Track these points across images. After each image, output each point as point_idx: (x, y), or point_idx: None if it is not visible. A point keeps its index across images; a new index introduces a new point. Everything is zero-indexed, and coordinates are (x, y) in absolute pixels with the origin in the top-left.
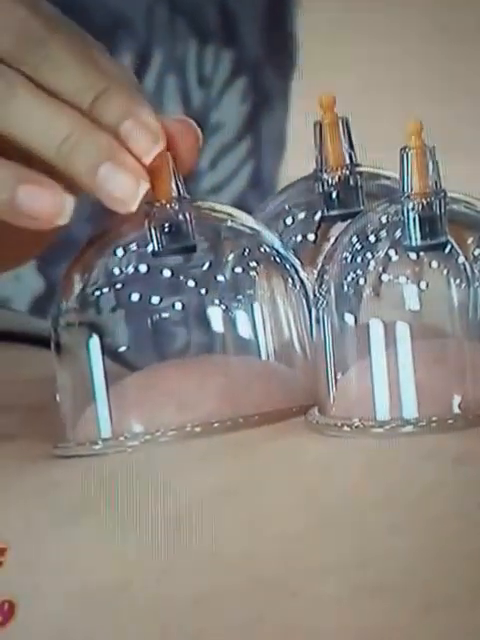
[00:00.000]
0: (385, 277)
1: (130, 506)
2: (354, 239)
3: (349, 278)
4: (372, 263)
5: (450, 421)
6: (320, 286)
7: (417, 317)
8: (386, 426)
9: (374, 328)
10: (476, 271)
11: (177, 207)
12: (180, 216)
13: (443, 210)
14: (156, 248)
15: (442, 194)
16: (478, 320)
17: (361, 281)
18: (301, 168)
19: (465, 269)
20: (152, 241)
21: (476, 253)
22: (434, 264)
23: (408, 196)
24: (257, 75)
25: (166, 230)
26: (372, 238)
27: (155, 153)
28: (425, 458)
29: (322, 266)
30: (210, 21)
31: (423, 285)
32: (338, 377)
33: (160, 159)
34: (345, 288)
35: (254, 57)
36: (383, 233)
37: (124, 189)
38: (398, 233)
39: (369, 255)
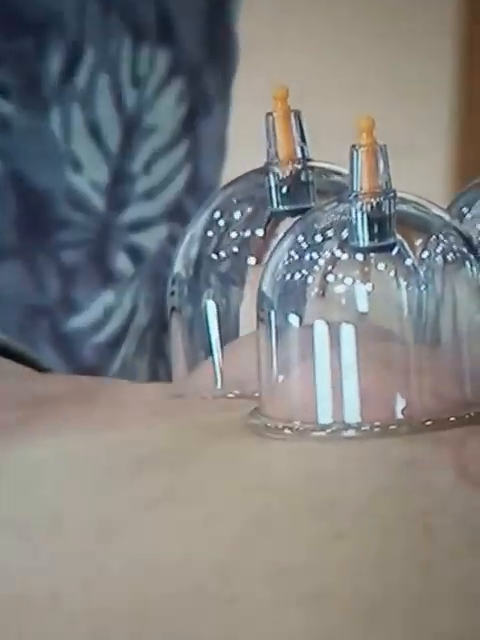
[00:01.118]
0: (331, 277)
1: (61, 510)
2: (300, 237)
3: (294, 277)
4: (318, 263)
5: (393, 427)
6: (266, 285)
7: (363, 319)
8: (328, 430)
9: (318, 329)
10: (424, 273)
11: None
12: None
13: (392, 211)
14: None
15: (392, 194)
16: (425, 324)
17: (307, 281)
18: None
19: (413, 271)
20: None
21: (424, 255)
22: (382, 265)
23: (357, 195)
24: (195, 76)
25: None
26: (319, 237)
27: None
28: (368, 463)
29: (267, 263)
30: (145, 18)
31: (370, 287)
32: (281, 378)
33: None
34: (290, 287)
35: (192, 57)
36: (330, 232)
37: None
38: (346, 233)
39: (315, 254)
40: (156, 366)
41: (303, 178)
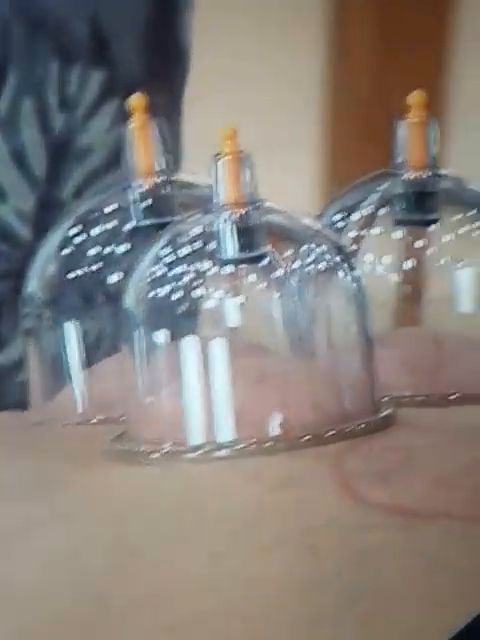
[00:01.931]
0: (200, 292)
1: None
2: (165, 251)
3: (161, 293)
4: (186, 277)
5: (269, 444)
6: (130, 301)
7: (235, 334)
8: (200, 451)
9: (187, 346)
10: (296, 284)
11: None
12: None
13: (260, 221)
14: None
15: (258, 204)
16: (300, 336)
17: (174, 296)
18: None
19: (285, 282)
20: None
21: (296, 265)
22: (252, 277)
23: (222, 206)
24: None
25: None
26: (185, 250)
27: None
28: (244, 483)
29: (132, 279)
30: (77, 39)
31: (240, 299)
32: (149, 399)
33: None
34: (156, 304)
35: (130, 78)
36: (197, 244)
37: None
38: (213, 245)
39: (181, 268)
40: None
41: (165, 191)
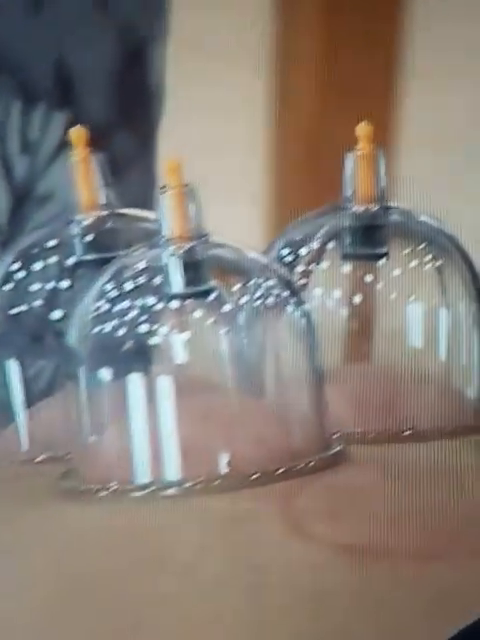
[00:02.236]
0: (145, 327)
1: None
2: (109, 286)
3: (106, 329)
4: (131, 312)
5: (217, 482)
6: (74, 337)
7: (181, 370)
8: (147, 489)
9: (132, 383)
10: (244, 319)
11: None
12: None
13: (206, 255)
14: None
15: (205, 238)
16: (247, 371)
17: (118, 332)
18: None
19: (232, 317)
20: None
21: (243, 300)
22: (198, 313)
23: (168, 240)
24: (101, 138)
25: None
26: (130, 285)
27: None
28: (192, 522)
29: (76, 315)
30: (41, 79)
31: (187, 335)
32: (94, 438)
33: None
34: (101, 340)
35: (96, 119)
36: (142, 279)
37: None
38: (158, 279)
39: (126, 303)
40: None
41: (109, 225)
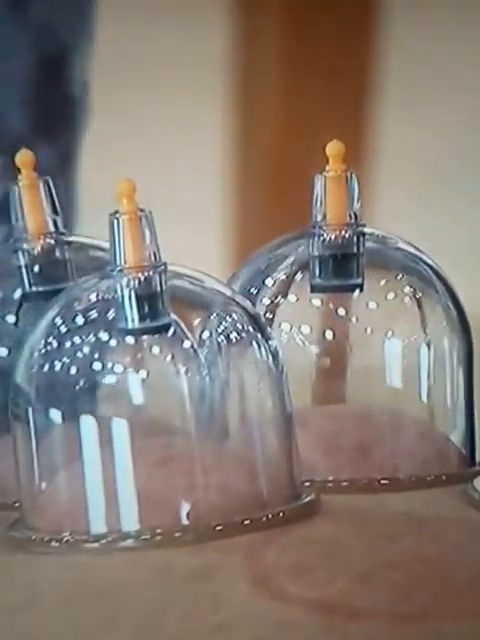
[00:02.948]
0: (98, 365)
1: None
2: (59, 320)
3: (54, 367)
4: (82, 349)
5: (178, 534)
6: (21, 377)
7: (138, 411)
8: (102, 540)
9: (85, 426)
10: (205, 356)
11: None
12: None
13: (164, 286)
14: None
15: (162, 267)
16: (210, 413)
17: (69, 370)
18: None
19: (193, 355)
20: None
21: (205, 336)
22: (156, 349)
23: (121, 270)
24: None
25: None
26: (80, 319)
27: None
28: (151, 576)
29: (23, 352)
30: None
31: (144, 374)
32: (44, 484)
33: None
34: (50, 379)
35: (16, 133)
36: (94, 313)
37: None
38: (112, 313)
39: (78, 339)
40: None
41: (58, 254)
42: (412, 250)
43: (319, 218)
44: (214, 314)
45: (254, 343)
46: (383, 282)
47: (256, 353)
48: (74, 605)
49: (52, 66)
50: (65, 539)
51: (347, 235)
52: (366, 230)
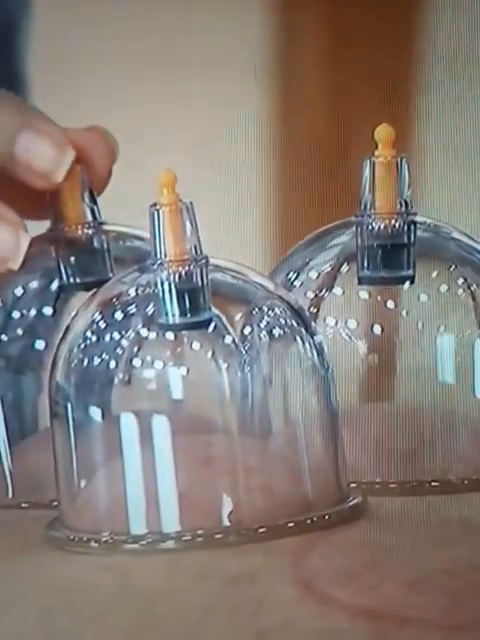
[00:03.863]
0: (138, 361)
1: None
2: (98, 315)
3: (94, 363)
4: (122, 344)
5: (219, 536)
6: (60, 374)
7: (178, 408)
8: (142, 541)
9: (125, 423)
10: (247, 352)
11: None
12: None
13: (205, 280)
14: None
15: (203, 260)
16: (252, 411)
17: (109, 366)
18: None
19: (234, 350)
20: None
21: (246, 331)
22: (196, 345)
23: (162, 263)
24: None
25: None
26: (120, 314)
27: (63, 165)
28: (192, 579)
29: (60, 347)
30: None
31: (184, 370)
32: (83, 483)
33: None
34: (89, 375)
35: None
36: (133, 308)
37: (45, 157)
38: (151, 308)
39: (117, 335)
40: None
41: (96, 244)
42: (466, 240)
43: (368, 206)
44: (256, 309)
45: (298, 338)
46: (435, 274)
47: (300, 349)
48: (113, 609)
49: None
50: (104, 539)
51: (397, 224)
52: (417, 219)
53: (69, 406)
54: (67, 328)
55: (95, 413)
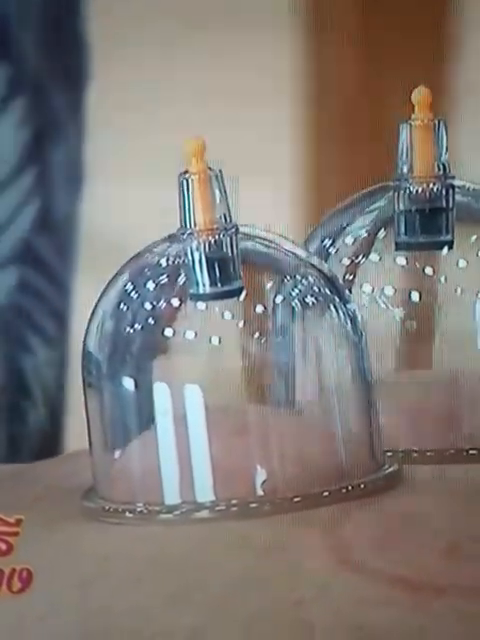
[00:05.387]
0: (169, 331)
1: None
2: (130, 286)
3: (126, 332)
4: (154, 314)
5: (253, 505)
6: (92, 344)
7: (210, 378)
8: (176, 511)
9: (159, 394)
10: (280, 321)
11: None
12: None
13: (236, 249)
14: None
15: (233, 229)
16: (285, 380)
17: (141, 336)
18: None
19: (266, 320)
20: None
21: (278, 300)
22: (228, 315)
23: (191, 233)
24: (40, 94)
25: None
26: (151, 285)
27: None
28: (227, 549)
29: (92, 319)
30: None
31: (216, 340)
32: (117, 453)
33: None
34: (121, 345)
35: (35, 72)
36: (164, 278)
37: None
38: (182, 278)
39: (149, 305)
40: (14, 434)
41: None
42: None
43: (405, 170)
44: (288, 277)
45: (331, 307)
46: (474, 238)
47: (333, 317)
48: (147, 579)
49: (63, 9)
50: (139, 510)
51: (436, 188)
52: (456, 182)
53: (101, 376)
54: (100, 297)
55: (128, 383)
